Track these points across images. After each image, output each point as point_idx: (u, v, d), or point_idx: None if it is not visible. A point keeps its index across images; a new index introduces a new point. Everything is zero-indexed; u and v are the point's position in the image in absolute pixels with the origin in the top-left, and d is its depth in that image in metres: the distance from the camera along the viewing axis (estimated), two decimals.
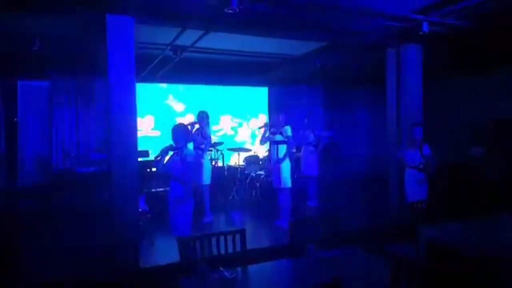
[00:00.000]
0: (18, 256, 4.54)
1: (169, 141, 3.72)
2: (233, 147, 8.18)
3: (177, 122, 3.92)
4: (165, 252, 4.24)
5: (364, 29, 5.00)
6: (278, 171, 5.29)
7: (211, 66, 7.22)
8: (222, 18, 4.12)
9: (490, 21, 4.56)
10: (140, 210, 4.61)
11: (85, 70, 7.41)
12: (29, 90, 7.34)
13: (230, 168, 7.79)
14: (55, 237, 5.16)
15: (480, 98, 7.84)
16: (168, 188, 3.89)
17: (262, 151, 7.78)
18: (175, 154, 3.68)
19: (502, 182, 6.88)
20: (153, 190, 6.48)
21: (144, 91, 8.04)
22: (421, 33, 4.57)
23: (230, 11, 3.68)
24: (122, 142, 4.00)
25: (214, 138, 7.75)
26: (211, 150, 6.35)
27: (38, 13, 4.18)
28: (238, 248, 2.85)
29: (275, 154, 5.31)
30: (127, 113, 4.03)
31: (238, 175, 7.49)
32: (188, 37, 5.06)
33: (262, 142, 5.59)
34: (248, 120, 9.48)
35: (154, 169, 6.36)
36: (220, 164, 7.54)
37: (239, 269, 2.57)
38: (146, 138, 8.14)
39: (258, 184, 6.87)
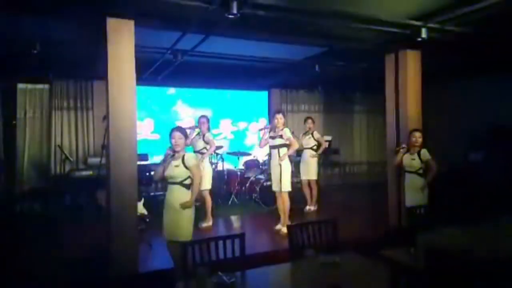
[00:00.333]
0: (16, 260, 4.51)
1: (168, 144, 3.70)
2: (235, 151, 8.18)
3: (176, 126, 3.88)
4: (163, 256, 4.22)
5: (363, 35, 5.03)
6: (278, 174, 5.28)
7: (211, 70, 7.24)
8: (222, 23, 4.13)
9: (489, 27, 4.58)
10: (138, 214, 4.60)
11: (84, 73, 7.42)
12: (28, 93, 7.33)
13: (229, 172, 7.78)
14: (53, 241, 5.14)
15: (478, 103, 7.88)
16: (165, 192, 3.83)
17: (262, 154, 7.78)
18: (175, 158, 3.65)
19: (501, 187, 6.89)
20: (151, 194, 6.48)
21: (144, 94, 8.06)
22: (419, 39, 4.60)
23: (230, 16, 3.70)
24: (121, 145, 3.99)
25: (222, 144, 7.78)
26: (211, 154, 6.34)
27: (37, 16, 4.18)
28: (237, 253, 2.84)
29: (277, 158, 5.30)
30: (127, 117, 4.03)
31: (238, 179, 7.49)
32: (188, 41, 5.07)
33: (262, 145, 5.56)
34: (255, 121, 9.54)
35: (153, 173, 6.36)
36: (220, 167, 7.54)
37: (238, 273, 2.56)
38: (146, 141, 8.14)
39: (257, 188, 6.87)
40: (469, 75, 7.70)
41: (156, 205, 5.62)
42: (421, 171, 4.71)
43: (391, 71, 5.71)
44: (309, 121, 6.81)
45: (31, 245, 5.02)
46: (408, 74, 5.51)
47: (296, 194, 6.52)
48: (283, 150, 5.27)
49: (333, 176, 10.09)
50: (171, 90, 8.69)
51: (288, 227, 3.18)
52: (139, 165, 4.42)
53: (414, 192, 4.71)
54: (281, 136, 5.27)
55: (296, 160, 7.06)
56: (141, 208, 5.55)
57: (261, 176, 7.11)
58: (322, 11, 4.09)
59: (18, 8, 3.87)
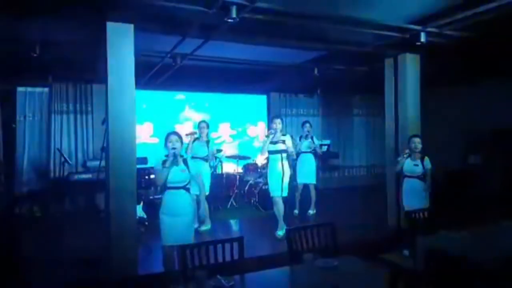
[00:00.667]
0: (15, 262, 4.50)
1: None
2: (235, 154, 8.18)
3: (173, 130, 3.86)
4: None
5: (362, 39, 5.05)
6: (280, 179, 5.28)
7: (210, 73, 7.25)
8: (221, 27, 4.15)
9: (487, 32, 4.60)
10: (137, 217, 4.60)
11: (84, 77, 7.43)
12: (28, 96, 7.34)
13: (228, 175, 7.78)
14: (51, 244, 5.13)
15: (478, 107, 7.90)
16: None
17: (261, 158, 7.78)
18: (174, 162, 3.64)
19: (500, 190, 6.90)
20: (151, 197, 6.47)
21: (144, 98, 8.07)
22: (418, 43, 4.62)
23: (229, 20, 3.71)
24: (120, 149, 3.99)
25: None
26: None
27: (38, 19, 4.20)
28: (236, 256, 2.84)
29: (279, 163, 5.30)
30: (126, 120, 4.03)
31: (237, 183, 7.48)
32: (188, 45, 5.08)
33: (264, 151, 5.51)
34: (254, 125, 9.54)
35: (152, 176, 6.35)
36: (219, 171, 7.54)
37: (236, 277, 2.56)
38: (145, 145, 8.14)
39: (256, 192, 6.86)
40: (468, 79, 7.72)
41: (155, 209, 5.62)
42: (422, 176, 4.73)
43: (391, 75, 5.73)
44: (307, 125, 6.77)
45: (30, 248, 5.00)
46: (407, 77, 5.53)
47: (294, 198, 6.53)
48: (285, 155, 5.29)
49: (332, 179, 10.08)
50: (180, 96, 8.73)
51: (287, 231, 3.18)
52: (138, 169, 4.43)
53: (414, 196, 4.72)
54: (283, 142, 5.29)
55: (294, 164, 7.05)
56: (140, 212, 5.55)
57: (260, 180, 7.11)
58: (321, 15, 4.11)
59: (18, 10, 3.88)
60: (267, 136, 5.37)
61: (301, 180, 6.68)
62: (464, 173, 7.75)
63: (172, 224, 3.58)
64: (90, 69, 6.20)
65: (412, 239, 3.05)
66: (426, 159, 4.73)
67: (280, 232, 5.31)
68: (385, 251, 3.38)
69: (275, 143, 5.33)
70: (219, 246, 2.82)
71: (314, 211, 6.72)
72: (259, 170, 7.70)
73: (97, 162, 6.37)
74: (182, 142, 3.73)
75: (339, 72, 7.10)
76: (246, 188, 7.26)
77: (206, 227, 5.70)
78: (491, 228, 3.36)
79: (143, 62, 4.91)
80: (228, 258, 2.82)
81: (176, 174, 3.57)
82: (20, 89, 7.28)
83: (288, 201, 5.73)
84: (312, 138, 6.75)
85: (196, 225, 5.46)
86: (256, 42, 5.14)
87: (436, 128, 7.61)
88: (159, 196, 6.67)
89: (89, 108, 7.78)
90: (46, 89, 7.45)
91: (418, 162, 4.72)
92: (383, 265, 3.17)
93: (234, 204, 7.33)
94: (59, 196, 6.95)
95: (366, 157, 10.58)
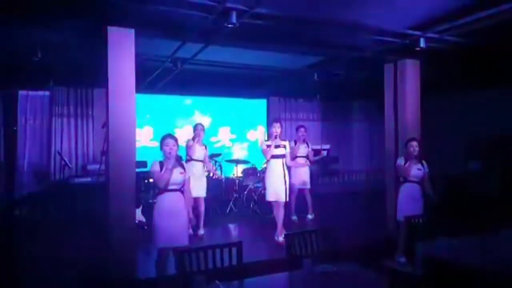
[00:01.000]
0: (13, 265, 4.50)
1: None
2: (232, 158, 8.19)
3: (168, 133, 3.82)
4: None
5: (362, 45, 5.06)
6: (284, 184, 5.27)
7: (210, 78, 7.28)
8: (221, 32, 4.17)
9: (487, 38, 4.62)
10: (137, 221, 4.60)
11: (85, 81, 7.46)
12: (29, 100, 7.38)
13: (227, 180, 7.78)
14: (51, 247, 5.12)
15: (478, 112, 7.90)
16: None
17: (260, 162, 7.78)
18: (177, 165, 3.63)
19: (500, 195, 6.89)
20: (150, 201, 6.46)
21: (144, 102, 8.08)
22: (418, 48, 4.63)
23: (229, 26, 3.73)
24: (120, 153, 4.01)
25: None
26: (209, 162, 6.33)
27: (39, 24, 4.22)
28: (234, 261, 2.83)
29: (281, 167, 5.30)
30: (126, 124, 4.05)
31: (236, 187, 7.48)
32: (188, 49, 5.11)
33: (269, 156, 5.38)
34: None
35: (151, 180, 6.35)
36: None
37: (235, 282, 2.55)
38: (145, 148, 8.14)
39: (255, 196, 6.85)
40: (468, 85, 7.73)
41: None
42: (421, 181, 4.72)
43: (390, 80, 5.74)
44: (302, 129, 6.70)
45: (30, 251, 4.99)
46: (407, 83, 5.54)
47: (292, 203, 6.52)
48: (285, 160, 5.31)
49: (331, 184, 10.08)
50: (188, 101, 8.80)
51: (286, 236, 3.17)
52: (138, 172, 4.43)
53: (413, 202, 4.71)
54: (284, 146, 5.32)
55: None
56: (139, 215, 5.55)
57: (260, 184, 7.10)
58: (320, 21, 4.13)
59: (21, 15, 3.91)
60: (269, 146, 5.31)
61: (297, 185, 6.64)
62: (464, 179, 7.74)
63: (168, 226, 3.56)
64: (91, 73, 6.22)
65: (411, 245, 3.05)
66: (424, 162, 4.72)
67: (277, 235, 5.31)
68: (385, 257, 3.38)
69: (277, 147, 5.33)
70: (218, 250, 2.82)
71: (313, 216, 6.71)
72: (258, 174, 7.69)
73: (97, 166, 6.38)
74: (178, 145, 3.70)
75: (339, 77, 7.12)
76: (246, 192, 7.25)
77: (202, 231, 5.68)
78: (490, 234, 3.36)
79: (144, 67, 4.93)
80: (226, 263, 2.81)
81: (175, 176, 3.58)
82: (21, 92, 7.33)
83: (284, 206, 5.72)
84: (307, 142, 6.71)
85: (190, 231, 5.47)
86: (256, 47, 5.17)
87: (436, 134, 7.61)
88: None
89: (90, 112, 7.82)
90: (47, 93, 7.50)
91: (420, 166, 4.71)
92: (383, 271, 3.16)
93: (233, 208, 7.32)
94: (59, 199, 6.95)
95: (366, 162, 10.58)
